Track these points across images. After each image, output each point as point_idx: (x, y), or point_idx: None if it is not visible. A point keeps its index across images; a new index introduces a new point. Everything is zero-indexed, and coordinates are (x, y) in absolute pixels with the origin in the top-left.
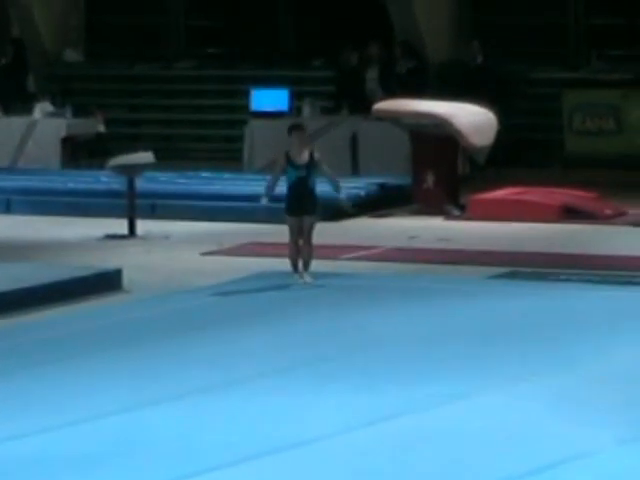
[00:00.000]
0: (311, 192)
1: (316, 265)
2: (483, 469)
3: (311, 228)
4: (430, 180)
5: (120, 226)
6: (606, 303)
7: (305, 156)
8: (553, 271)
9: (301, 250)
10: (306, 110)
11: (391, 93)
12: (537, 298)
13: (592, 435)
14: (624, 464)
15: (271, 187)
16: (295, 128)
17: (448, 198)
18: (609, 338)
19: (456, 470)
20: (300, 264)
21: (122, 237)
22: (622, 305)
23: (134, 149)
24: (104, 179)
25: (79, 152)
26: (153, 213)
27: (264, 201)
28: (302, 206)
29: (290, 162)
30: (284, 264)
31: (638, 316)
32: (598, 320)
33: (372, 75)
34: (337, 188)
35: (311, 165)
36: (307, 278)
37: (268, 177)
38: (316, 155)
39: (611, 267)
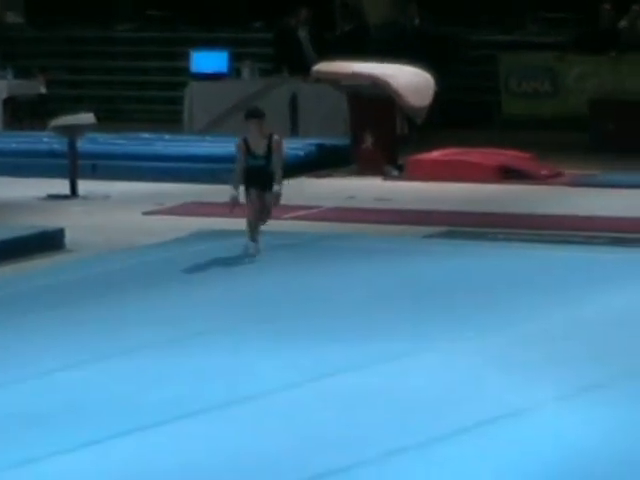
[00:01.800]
0: (270, 177)
1: None
2: (422, 426)
3: (271, 204)
4: (368, 141)
5: (62, 186)
6: (543, 262)
7: (263, 145)
8: (491, 231)
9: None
10: (245, 72)
11: (324, 55)
12: (475, 257)
13: (530, 392)
14: (561, 420)
15: (238, 180)
16: (252, 115)
17: (386, 159)
18: (546, 297)
19: (396, 427)
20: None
21: (64, 197)
22: (558, 264)
23: (76, 110)
24: (46, 140)
25: (21, 113)
26: (94, 173)
27: (234, 193)
28: (260, 186)
29: (249, 151)
30: (227, 223)
31: (573, 275)
32: (535, 279)
33: (303, 37)
34: (277, 179)
35: (269, 153)
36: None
37: (234, 168)
38: (275, 138)
39: (548, 227)
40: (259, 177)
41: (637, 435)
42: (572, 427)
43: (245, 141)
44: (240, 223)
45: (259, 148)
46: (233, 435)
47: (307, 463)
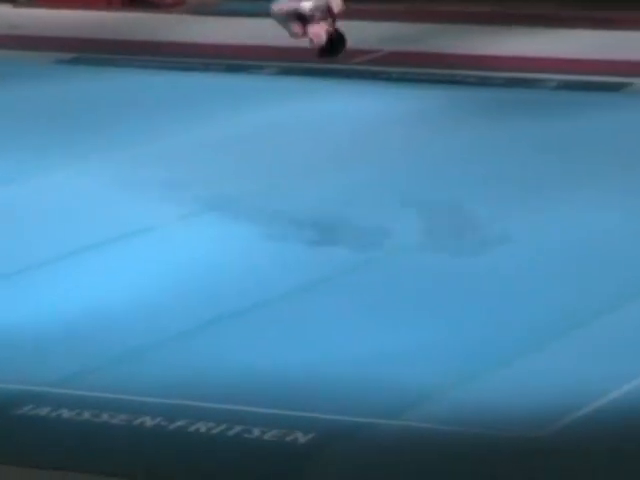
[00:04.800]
0: None
1: None
2: (49, 244)
3: None
4: None
5: None
6: (167, 88)
7: None
8: (116, 57)
9: None
10: None
11: None
12: (100, 82)
13: (155, 211)
14: (183, 236)
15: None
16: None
17: None
18: (170, 120)
19: (39, 240)
20: None
21: None
22: (182, 90)
23: None
24: None
25: None
26: None
27: None
28: None
29: None
30: None
31: (195, 100)
32: (159, 103)
33: None
34: None
35: None
36: None
37: None
38: None
39: (170, 54)
40: None
41: (245, 249)
42: (192, 241)
43: None
44: None
45: None
46: None
47: None
